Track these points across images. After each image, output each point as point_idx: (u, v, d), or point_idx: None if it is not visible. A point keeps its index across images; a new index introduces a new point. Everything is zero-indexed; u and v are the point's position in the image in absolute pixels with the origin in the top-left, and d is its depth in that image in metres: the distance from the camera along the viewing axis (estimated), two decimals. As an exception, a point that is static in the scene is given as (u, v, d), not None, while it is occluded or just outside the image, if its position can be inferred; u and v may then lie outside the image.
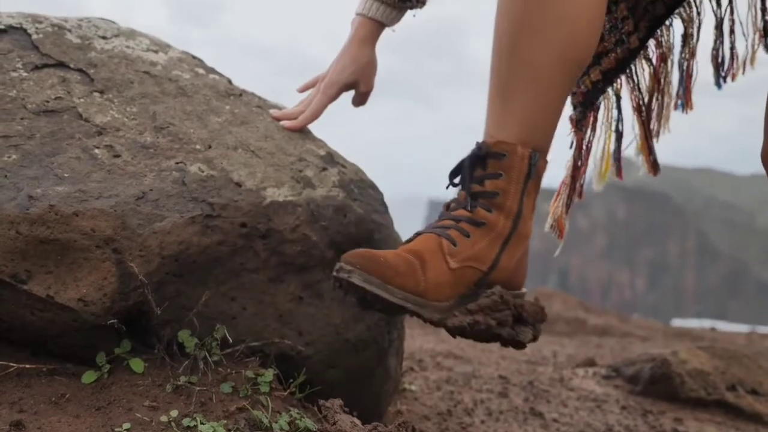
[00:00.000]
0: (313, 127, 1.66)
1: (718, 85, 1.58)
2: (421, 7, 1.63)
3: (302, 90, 1.69)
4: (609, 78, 1.57)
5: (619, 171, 1.65)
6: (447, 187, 1.36)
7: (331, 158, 1.59)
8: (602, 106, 1.61)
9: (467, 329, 1.25)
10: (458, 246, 1.27)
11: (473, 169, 1.31)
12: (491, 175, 1.29)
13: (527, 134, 1.28)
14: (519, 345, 1.31)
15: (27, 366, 1.33)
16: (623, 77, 1.59)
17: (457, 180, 1.34)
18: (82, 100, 1.51)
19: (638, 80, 1.60)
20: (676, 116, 1.64)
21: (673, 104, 1.60)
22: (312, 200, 1.46)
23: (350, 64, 1.62)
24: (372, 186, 1.62)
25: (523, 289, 1.35)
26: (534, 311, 1.31)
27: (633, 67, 1.59)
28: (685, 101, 1.60)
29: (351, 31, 1.64)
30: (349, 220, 1.49)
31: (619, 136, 1.63)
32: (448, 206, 1.36)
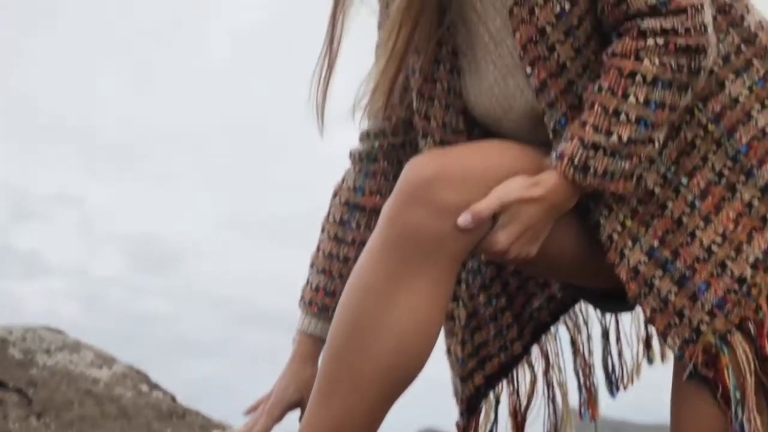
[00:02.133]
0: None
1: (611, 393, 1.56)
2: None
3: (248, 413, 1.66)
4: (491, 383, 1.56)
5: None
6: None
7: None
8: (483, 411, 1.60)
9: None
10: None
11: None
12: None
13: None
14: None
15: None
16: (504, 381, 1.59)
17: None
18: (17, 425, 1.47)
19: (518, 385, 1.59)
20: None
21: (577, 414, 1.58)
22: None
23: (292, 382, 1.60)
24: None
25: None
26: None
27: (515, 372, 1.59)
28: (589, 409, 1.57)
29: (293, 348, 1.64)
30: None
31: None
32: None
